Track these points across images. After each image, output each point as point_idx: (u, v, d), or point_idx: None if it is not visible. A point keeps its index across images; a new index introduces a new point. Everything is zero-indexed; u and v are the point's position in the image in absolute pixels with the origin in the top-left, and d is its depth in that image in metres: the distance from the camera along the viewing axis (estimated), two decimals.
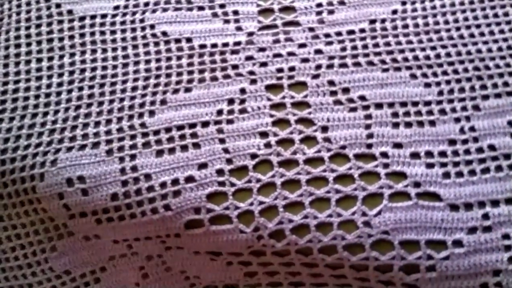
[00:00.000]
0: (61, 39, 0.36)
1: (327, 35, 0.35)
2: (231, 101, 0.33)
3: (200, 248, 0.31)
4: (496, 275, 0.28)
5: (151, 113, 0.33)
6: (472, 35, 0.35)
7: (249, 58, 0.35)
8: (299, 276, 0.31)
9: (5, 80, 0.35)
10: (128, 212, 0.30)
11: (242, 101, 0.33)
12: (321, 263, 0.29)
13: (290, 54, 0.35)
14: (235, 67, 0.35)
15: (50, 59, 0.36)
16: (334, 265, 0.29)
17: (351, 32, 0.35)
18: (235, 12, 0.37)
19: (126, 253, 0.33)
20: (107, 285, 0.35)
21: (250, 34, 0.36)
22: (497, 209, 0.29)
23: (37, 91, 0.34)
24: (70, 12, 0.37)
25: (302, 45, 0.35)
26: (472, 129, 0.32)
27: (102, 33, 0.37)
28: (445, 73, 0.34)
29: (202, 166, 0.31)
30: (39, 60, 0.36)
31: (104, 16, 0.37)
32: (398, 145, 0.31)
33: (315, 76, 0.34)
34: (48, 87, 0.35)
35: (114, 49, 0.36)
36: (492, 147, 0.31)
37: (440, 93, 0.33)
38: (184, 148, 0.32)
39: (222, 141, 0.32)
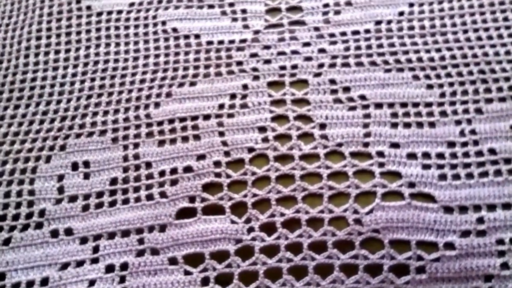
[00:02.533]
0: (78, 33, 0.38)
1: (331, 35, 0.36)
2: (233, 96, 0.34)
3: (183, 247, 0.30)
4: (488, 281, 0.27)
5: (157, 104, 0.35)
6: (479, 38, 0.34)
7: (253, 55, 0.36)
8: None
9: (24, 69, 0.37)
10: (123, 197, 0.31)
11: (244, 96, 0.34)
12: (310, 265, 0.29)
13: (294, 52, 0.35)
14: (239, 63, 0.36)
15: (67, 51, 0.38)
16: (324, 267, 0.29)
17: (355, 32, 0.36)
18: (243, 11, 0.38)
19: (84, 260, 0.30)
20: None
21: (256, 32, 0.37)
22: (493, 213, 0.29)
23: (53, 80, 0.37)
24: (88, 7, 0.39)
25: (306, 44, 0.36)
26: (473, 132, 0.31)
27: (117, 28, 0.38)
28: (448, 75, 0.33)
29: (201, 157, 0.32)
30: (57, 52, 0.38)
31: (119, 12, 0.39)
32: (395, 145, 0.31)
33: (317, 75, 0.34)
34: (63, 77, 0.37)
35: (127, 44, 0.38)
36: (492, 151, 0.31)
37: (442, 95, 0.33)
38: (185, 139, 0.33)
39: (221, 134, 0.33)
